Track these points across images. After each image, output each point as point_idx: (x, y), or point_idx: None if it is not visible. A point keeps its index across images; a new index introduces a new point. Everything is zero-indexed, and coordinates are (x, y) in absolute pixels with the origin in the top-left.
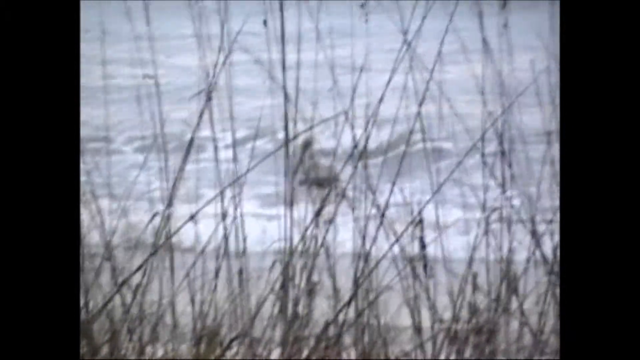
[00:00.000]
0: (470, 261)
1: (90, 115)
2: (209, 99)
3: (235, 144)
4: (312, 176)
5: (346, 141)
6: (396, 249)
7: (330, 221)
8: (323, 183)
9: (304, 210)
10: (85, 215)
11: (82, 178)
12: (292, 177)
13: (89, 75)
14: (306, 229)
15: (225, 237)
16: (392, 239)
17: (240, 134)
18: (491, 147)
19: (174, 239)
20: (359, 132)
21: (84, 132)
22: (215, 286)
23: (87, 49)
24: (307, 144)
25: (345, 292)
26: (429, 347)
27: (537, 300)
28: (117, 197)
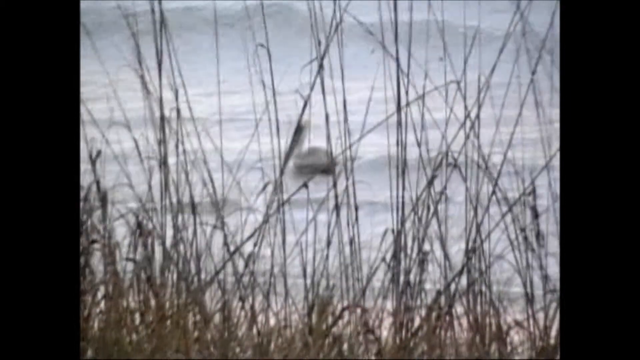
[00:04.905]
0: None
1: None
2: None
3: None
4: (310, 162)
5: (457, 110)
6: (508, 218)
7: (442, 191)
8: (325, 170)
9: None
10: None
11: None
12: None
13: None
14: (417, 198)
15: (337, 206)
16: (504, 208)
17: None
18: None
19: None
20: (470, 101)
21: None
22: (327, 256)
23: None
24: (301, 129)
25: (457, 262)
26: (540, 316)
27: None
28: (228, 165)
